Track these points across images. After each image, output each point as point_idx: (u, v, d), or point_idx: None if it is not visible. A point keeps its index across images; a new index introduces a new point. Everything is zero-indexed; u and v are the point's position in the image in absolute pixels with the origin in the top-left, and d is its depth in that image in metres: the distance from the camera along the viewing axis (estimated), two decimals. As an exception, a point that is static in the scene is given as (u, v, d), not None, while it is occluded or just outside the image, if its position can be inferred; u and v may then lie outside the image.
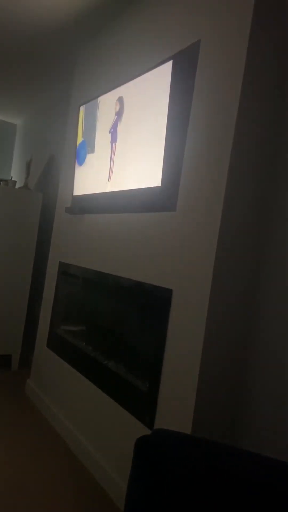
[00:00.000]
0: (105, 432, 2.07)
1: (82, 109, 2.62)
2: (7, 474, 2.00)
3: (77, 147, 2.65)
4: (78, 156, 2.63)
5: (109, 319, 2.43)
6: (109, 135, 2.28)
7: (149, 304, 1.90)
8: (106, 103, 2.34)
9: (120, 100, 2.20)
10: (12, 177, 4.38)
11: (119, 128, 2.20)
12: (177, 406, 1.62)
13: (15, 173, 4.86)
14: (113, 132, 2.25)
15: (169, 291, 1.73)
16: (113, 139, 2.25)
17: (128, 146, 2.10)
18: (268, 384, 1.53)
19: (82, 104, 2.64)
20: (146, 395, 1.81)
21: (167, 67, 1.84)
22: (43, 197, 3.69)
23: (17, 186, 3.81)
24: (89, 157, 2.49)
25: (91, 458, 2.12)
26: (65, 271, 2.73)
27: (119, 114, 2.20)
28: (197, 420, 1.54)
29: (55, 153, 3.77)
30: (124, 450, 1.90)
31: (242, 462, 1.03)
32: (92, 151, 2.46)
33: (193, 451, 1.05)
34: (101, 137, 2.37)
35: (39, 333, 2.99)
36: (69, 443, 2.34)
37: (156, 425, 1.71)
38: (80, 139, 2.63)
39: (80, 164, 2.59)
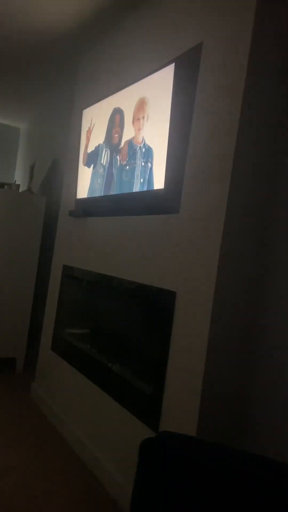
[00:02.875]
0: (109, 434, 2.06)
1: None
2: (12, 476, 2.00)
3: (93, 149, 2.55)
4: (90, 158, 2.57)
5: (113, 321, 2.43)
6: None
7: (153, 307, 1.90)
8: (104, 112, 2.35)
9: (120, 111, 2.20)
10: (15, 181, 4.40)
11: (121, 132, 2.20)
12: (182, 408, 1.61)
13: (19, 177, 4.88)
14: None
15: (173, 294, 1.73)
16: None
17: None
18: (273, 386, 1.53)
19: (84, 108, 2.65)
20: (150, 397, 1.81)
21: (170, 70, 1.85)
22: (47, 200, 3.70)
23: (20, 190, 3.83)
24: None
25: (96, 461, 2.11)
26: (69, 274, 2.74)
27: (121, 126, 2.20)
28: (201, 423, 1.53)
29: (58, 157, 3.78)
30: (128, 453, 1.90)
31: (247, 464, 1.03)
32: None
33: (198, 453, 1.05)
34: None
35: (44, 336, 2.99)
36: (73, 446, 2.34)
37: (161, 427, 1.71)
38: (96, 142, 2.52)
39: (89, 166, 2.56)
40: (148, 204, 1.99)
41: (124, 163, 2.10)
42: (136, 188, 2.00)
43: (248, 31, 1.55)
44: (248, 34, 1.55)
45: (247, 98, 1.54)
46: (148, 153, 1.93)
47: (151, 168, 1.90)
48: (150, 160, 1.90)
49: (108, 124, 2.33)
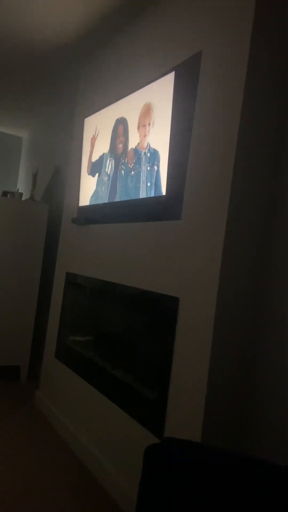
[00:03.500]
0: (114, 441, 2.06)
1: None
2: (18, 484, 2.00)
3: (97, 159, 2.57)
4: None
5: (116, 328, 2.43)
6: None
7: (156, 313, 1.90)
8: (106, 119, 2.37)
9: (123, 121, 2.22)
10: (18, 189, 4.43)
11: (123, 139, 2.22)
12: (187, 414, 1.61)
13: (22, 185, 4.91)
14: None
15: (176, 300, 1.74)
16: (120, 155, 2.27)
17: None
18: (278, 391, 1.52)
19: (86, 117, 2.67)
20: (155, 404, 1.80)
21: (170, 78, 1.87)
22: (49, 208, 3.73)
23: (23, 198, 3.85)
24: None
25: (101, 468, 2.11)
26: (72, 281, 2.75)
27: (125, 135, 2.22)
28: (206, 429, 1.53)
29: (61, 165, 3.81)
30: (133, 459, 1.89)
31: (252, 470, 1.03)
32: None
33: (203, 459, 1.05)
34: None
35: (47, 344, 3.00)
36: (77, 453, 2.34)
37: (166, 434, 1.71)
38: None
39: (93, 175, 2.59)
40: (150, 210, 2.00)
41: (131, 167, 2.11)
42: (143, 194, 2.01)
43: (246, 38, 1.57)
44: (247, 41, 1.57)
45: (247, 105, 1.56)
46: (154, 157, 1.94)
47: (157, 171, 1.91)
48: (156, 163, 1.91)
49: (112, 134, 2.34)
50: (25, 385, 3.42)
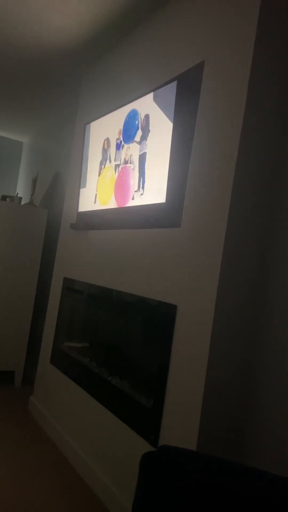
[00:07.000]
0: (108, 449, 2.05)
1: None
2: (9, 491, 1.98)
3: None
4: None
5: (113, 335, 2.43)
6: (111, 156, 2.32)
7: (153, 320, 1.90)
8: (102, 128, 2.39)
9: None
10: (18, 194, 4.43)
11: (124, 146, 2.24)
12: (182, 423, 1.61)
13: (21, 190, 4.91)
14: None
15: (174, 307, 1.74)
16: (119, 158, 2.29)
17: (132, 163, 2.13)
18: (275, 401, 1.52)
19: (87, 123, 2.69)
20: (150, 412, 1.80)
21: (172, 87, 1.89)
22: (48, 213, 3.73)
23: (22, 203, 3.85)
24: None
25: (94, 476, 2.09)
26: (69, 286, 2.74)
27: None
28: (202, 437, 1.52)
29: (61, 170, 3.82)
30: (127, 468, 1.88)
31: (248, 479, 1.02)
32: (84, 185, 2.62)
33: (199, 468, 1.04)
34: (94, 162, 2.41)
35: (43, 349, 2.98)
36: (71, 461, 2.32)
37: (161, 442, 1.70)
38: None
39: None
40: (150, 217, 2.00)
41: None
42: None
43: (249, 49, 1.59)
44: (249, 52, 1.58)
45: (248, 116, 1.57)
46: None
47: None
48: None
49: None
50: (19, 390, 3.40)
